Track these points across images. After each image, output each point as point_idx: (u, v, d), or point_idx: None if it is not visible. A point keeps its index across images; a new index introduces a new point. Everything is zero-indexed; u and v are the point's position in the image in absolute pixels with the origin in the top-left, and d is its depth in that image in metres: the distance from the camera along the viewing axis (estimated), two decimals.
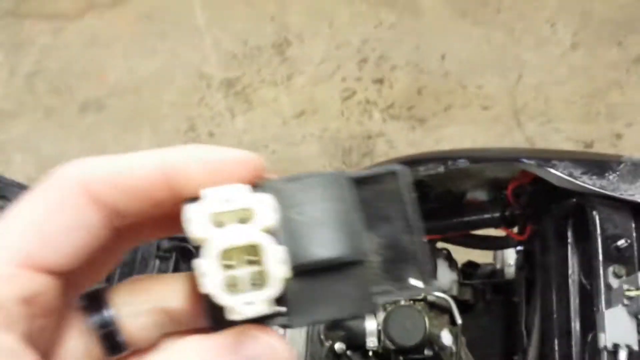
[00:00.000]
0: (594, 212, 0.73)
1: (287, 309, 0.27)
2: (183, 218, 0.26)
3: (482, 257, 1.25)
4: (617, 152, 2.28)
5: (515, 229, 1.03)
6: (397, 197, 0.30)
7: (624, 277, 0.67)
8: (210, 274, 0.24)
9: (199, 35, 2.43)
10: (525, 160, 0.81)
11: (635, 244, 0.70)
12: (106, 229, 0.27)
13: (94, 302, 0.29)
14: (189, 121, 2.21)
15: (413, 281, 0.30)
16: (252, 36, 2.42)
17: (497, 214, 1.01)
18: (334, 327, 1.02)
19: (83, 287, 0.29)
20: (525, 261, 1.03)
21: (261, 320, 0.26)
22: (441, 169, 0.87)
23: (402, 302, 1.02)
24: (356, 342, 1.00)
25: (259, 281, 0.26)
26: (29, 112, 2.27)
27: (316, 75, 2.31)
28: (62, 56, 2.41)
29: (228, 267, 0.25)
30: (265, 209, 0.26)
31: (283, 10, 2.50)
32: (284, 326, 0.27)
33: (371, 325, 0.99)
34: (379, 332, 0.99)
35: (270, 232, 0.26)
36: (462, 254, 1.20)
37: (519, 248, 1.06)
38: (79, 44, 2.44)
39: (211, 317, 0.27)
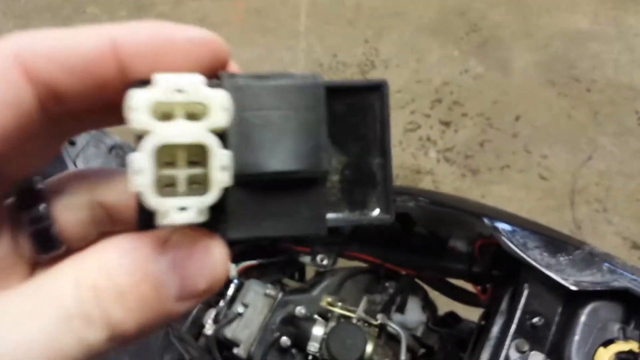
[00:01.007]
0: (525, 285, 0.70)
1: (226, 218, 0.23)
2: (126, 104, 0.21)
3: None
4: None
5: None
6: (374, 114, 0.27)
7: (525, 354, 0.64)
8: (142, 170, 0.20)
9: (296, 38, 2.51)
10: (485, 220, 0.79)
11: (553, 327, 0.67)
12: (40, 110, 0.23)
13: (26, 194, 0.26)
14: None
15: (372, 209, 0.26)
16: (342, 52, 2.47)
17: (467, 268, 0.99)
18: (288, 322, 1.03)
19: (12, 177, 0.25)
20: (485, 322, 1.00)
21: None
22: (412, 203, 0.86)
23: (355, 320, 1.02)
24: (301, 342, 1.01)
25: (198, 186, 0.22)
26: None
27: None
28: None
29: (167, 166, 0.22)
30: (219, 106, 0.22)
31: (379, 37, 2.54)
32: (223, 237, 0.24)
33: (318, 331, 1.00)
34: (322, 340, 0.99)
35: (221, 133, 0.22)
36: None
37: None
38: (191, 20, 2.59)
39: (140, 221, 0.23)
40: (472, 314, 1.16)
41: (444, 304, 1.15)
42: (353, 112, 0.26)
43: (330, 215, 0.26)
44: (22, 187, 0.26)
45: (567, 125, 2.32)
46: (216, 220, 0.23)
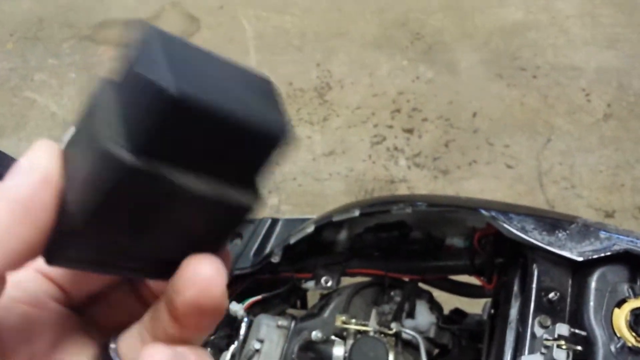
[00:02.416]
0: (534, 265, 0.74)
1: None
2: None
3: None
4: (638, 225, 2.22)
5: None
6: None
7: (550, 327, 0.68)
8: None
9: None
10: (482, 211, 0.83)
11: (568, 299, 0.71)
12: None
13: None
14: None
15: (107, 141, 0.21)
16: (297, 79, 2.51)
17: (468, 262, 1.02)
18: (306, 348, 1.05)
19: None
20: (494, 310, 1.04)
21: None
22: (409, 209, 0.90)
23: (371, 333, 1.04)
24: None
25: None
26: None
27: (351, 119, 2.37)
28: None
29: None
30: None
31: (329, 59, 2.60)
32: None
33: (338, 351, 1.01)
34: (344, 359, 1.01)
35: None
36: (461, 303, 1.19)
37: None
38: None
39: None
40: (471, 307, 1.21)
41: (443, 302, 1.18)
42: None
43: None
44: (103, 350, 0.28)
45: (522, 113, 2.42)
46: None
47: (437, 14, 2.79)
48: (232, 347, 1.08)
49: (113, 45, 2.72)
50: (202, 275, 0.24)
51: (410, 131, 2.33)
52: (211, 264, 0.24)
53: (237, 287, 1.16)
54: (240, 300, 1.15)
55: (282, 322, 1.07)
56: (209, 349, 1.11)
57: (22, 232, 0.23)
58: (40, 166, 0.24)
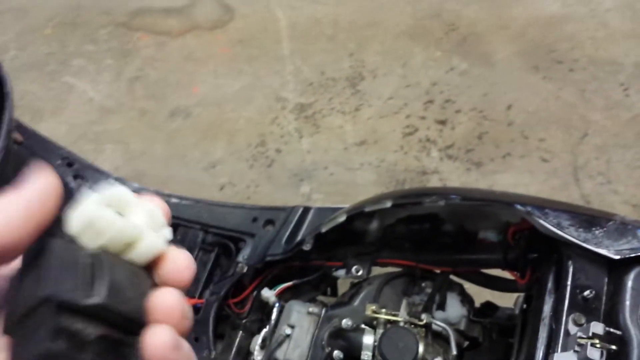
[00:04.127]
0: (570, 262, 0.73)
1: None
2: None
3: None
4: None
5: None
6: None
7: (584, 325, 0.67)
8: None
9: (282, 63, 2.56)
10: (518, 206, 0.82)
11: (603, 297, 0.70)
12: None
13: None
14: (260, 137, 2.31)
15: None
16: (329, 68, 2.51)
17: (501, 257, 1.02)
18: (336, 336, 1.05)
19: None
20: (526, 305, 1.03)
21: None
22: (442, 202, 0.89)
23: (401, 323, 1.04)
24: (353, 353, 1.03)
25: None
26: (126, 111, 2.47)
27: (383, 109, 2.36)
28: (161, 67, 2.60)
29: None
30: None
31: (362, 49, 2.59)
32: None
33: (368, 339, 1.02)
34: (374, 347, 1.01)
35: None
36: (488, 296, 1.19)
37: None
38: (177, 59, 2.63)
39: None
40: (503, 301, 1.20)
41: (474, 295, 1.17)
42: None
43: None
44: None
45: (558, 107, 2.37)
46: None
47: (472, 5, 2.75)
48: (264, 332, 1.09)
49: (148, 32, 2.76)
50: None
51: (443, 122, 2.32)
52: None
53: (269, 273, 1.18)
54: (271, 286, 1.16)
55: (313, 308, 1.08)
56: (241, 331, 1.13)
57: (18, 228, 0.30)
58: (43, 180, 0.32)
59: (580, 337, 0.65)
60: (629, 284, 0.71)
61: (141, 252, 0.33)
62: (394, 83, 2.45)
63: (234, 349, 1.14)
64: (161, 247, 0.33)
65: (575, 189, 2.15)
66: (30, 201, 0.30)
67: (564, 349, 0.67)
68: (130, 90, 2.53)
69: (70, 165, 1.26)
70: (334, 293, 1.34)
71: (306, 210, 1.20)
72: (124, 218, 0.32)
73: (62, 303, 0.28)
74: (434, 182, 2.15)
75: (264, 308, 1.16)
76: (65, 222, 0.31)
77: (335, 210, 1.16)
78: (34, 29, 2.82)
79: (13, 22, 2.84)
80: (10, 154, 0.93)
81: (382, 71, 2.49)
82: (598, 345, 0.66)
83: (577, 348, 0.65)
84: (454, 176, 2.16)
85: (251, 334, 1.14)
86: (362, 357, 1.01)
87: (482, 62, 2.50)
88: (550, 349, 0.71)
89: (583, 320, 0.68)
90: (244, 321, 1.14)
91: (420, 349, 1.00)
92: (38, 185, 0.31)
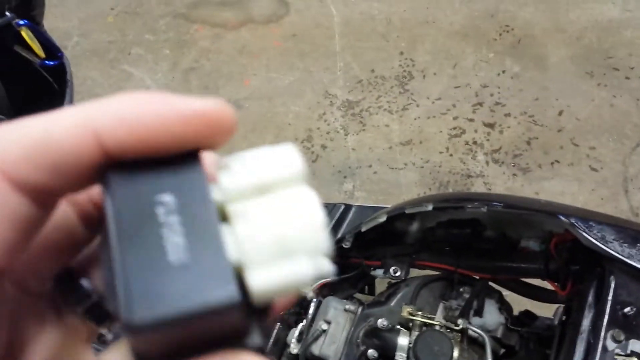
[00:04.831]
0: (612, 277, 0.72)
1: None
2: None
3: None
4: None
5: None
6: None
7: (623, 342, 0.66)
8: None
9: (333, 59, 2.56)
10: (561, 217, 0.81)
11: None
12: (43, 210, 0.22)
13: (64, 278, 0.25)
14: (307, 132, 2.33)
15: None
16: (379, 66, 2.50)
17: (542, 266, 1.00)
18: (371, 334, 1.06)
19: (50, 274, 0.25)
20: (565, 317, 1.01)
21: None
22: (484, 208, 0.88)
23: (437, 327, 1.04)
24: (388, 353, 1.03)
25: None
26: None
27: (430, 110, 2.34)
28: (215, 59, 2.64)
29: None
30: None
31: (413, 48, 2.57)
32: None
33: (403, 341, 1.02)
34: (409, 349, 1.01)
35: None
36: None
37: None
38: (231, 51, 2.66)
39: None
40: (541, 311, 1.17)
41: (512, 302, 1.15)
42: None
43: None
44: (60, 274, 0.25)
45: (611, 115, 2.30)
46: None
47: (528, 6, 2.69)
48: (300, 325, 1.11)
49: (205, 24, 2.80)
50: None
51: (491, 126, 2.28)
52: None
53: None
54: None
55: (350, 306, 1.09)
56: (279, 323, 1.15)
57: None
58: None
59: (618, 354, 0.63)
60: None
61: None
62: (444, 83, 2.42)
63: (272, 340, 1.16)
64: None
65: (624, 201, 2.08)
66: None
67: None
68: (186, 80, 2.58)
69: None
70: (371, 292, 1.34)
71: (348, 208, 1.21)
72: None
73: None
74: (478, 186, 2.11)
75: (302, 302, 1.17)
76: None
77: (376, 209, 1.16)
78: (97, 16, 2.91)
79: (77, 9, 2.94)
80: None
81: (432, 71, 2.47)
82: None
83: None
84: (499, 181, 2.12)
85: (288, 326, 1.16)
86: (396, 357, 1.01)
87: (535, 66, 2.44)
88: None
89: (622, 337, 0.66)
90: (282, 314, 1.16)
91: (455, 353, 0.99)
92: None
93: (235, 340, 0.20)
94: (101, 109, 0.20)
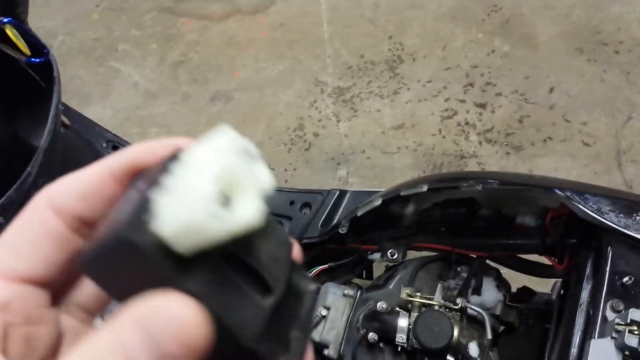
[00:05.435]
0: (609, 248, 0.71)
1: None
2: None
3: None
4: None
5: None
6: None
7: (622, 312, 0.66)
8: None
9: (322, 46, 2.55)
10: (557, 191, 0.80)
11: None
12: (76, 235, 0.28)
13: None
14: (299, 121, 2.32)
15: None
16: (368, 51, 2.49)
17: (539, 242, 1.00)
18: (371, 318, 1.06)
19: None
20: (564, 290, 1.01)
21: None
22: (479, 187, 0.88)
23: (436, 307, 1.04)
24: (388, 335, 1.03)
25: None
26: (169, 95, 2.50)
27: (421, 93, 2.33)
28: (203, 52, 2.62)
29: None
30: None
31: (402, 31, 2.55)
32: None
33: (403, 322, 1.02)
34: (409, 330, 1.01)
35: None
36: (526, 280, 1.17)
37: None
38: (219, 43, 2.65)
39: None
40: (539, 286, 1.17)
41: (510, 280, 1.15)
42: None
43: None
44: None
45: (602, 90, 2.30)
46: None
47: None
48: None
49: (191, 17, 2.78)
50: None
51: (483, 106, 2.27)
52: None
53: (305, 256, 1.18)
54: (308, 268, 1.17)
55: (348, 291, 1.09)
56: None
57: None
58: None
59: (618, 324, 0.63)
60: None
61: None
62: (434, 66, 2.41)
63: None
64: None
65: (617, 174, 2.09)
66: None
67: (601, 335, 0.66)
68: (174, 74, 2.56)
69: (115, 148, 1.29)
70: (369, 276, 1.34)
71: (342, 193, 1.20)
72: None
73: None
74: (472, 166, 2.11)
75: None
76: None
77: (371, 193, 1.15)
78: (82, 14, 2.88)
79: (61, 8, 2.91)
80: (58, 137, 0.96)
81: (421, 54, 2.45)
82: (636, 332, 0.65)
83: (614, 335, 0.64)
84: (493, 160, 2.12)
85: None
86: (396, 339, 1.01)
87: (525, 44, 2.44)
88: (587, 335, 0.70)
89: (621, 307, 0.66)
90: None
91: (455, 332, 0.99)
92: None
93: (168, 283, 0.23)
94: (114, 157, 0.29)
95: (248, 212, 0.24)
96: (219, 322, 0.23)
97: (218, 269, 0.25)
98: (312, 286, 0.29)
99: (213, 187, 0.23)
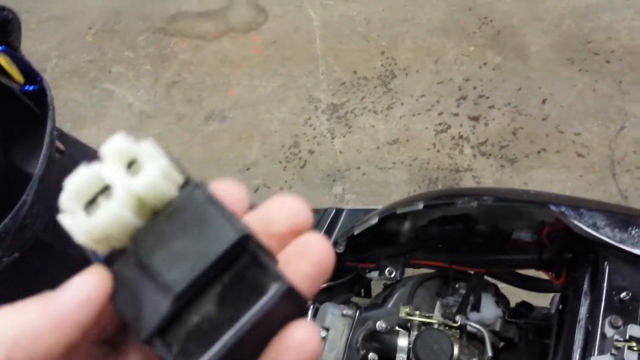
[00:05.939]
0: (605, 263, 0.72)
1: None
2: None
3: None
4: None
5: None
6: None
7: (621, 328, 0.66)
8: None
9: (315, 63, 2.56)
10: (552, 207, 0.81)
11: None
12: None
13: None
14: (294, 138, 2.32)
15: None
16: (361, 67, 2.50)
17: (536, 257, 1.00)
18: (371, 338, 1.05)
19: None
20: (562, 305, 1.01)
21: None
22: (474, 203, 0.88)
23: (435, 325, 1.03)
24: (388, 355, 1.03)
25: None
26: (164, 116, 2.51)
27: (415, 107, 2.34)
28: (197, 71, 2.64)
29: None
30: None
31: (394, 46, 2.57)
32: None
33: (403, 342, 1.01)
34: (409, 350, 1.01)
35: None
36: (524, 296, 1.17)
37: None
38: (213, 62, 2.66)
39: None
40: (538, 301, 1.17)
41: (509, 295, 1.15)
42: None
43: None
44: None
45: (594, 99, 2.31)
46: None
47: None
48: None
49: (184, 37, 2.79)
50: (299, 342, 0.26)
51: (476, 119, 2.28)
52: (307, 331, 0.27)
53: None
54: None
55: (347, 311, 1.08)
56: None
57: (48, 342, 0.26)
58: (84, 290, 0.27)
59: (617, 340, 0.63)
60: None
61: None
62: (427, 80, 2.42)
63: None
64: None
65: (612, 184, 2.09)
66: (61, 316, 0.26)
67: (601, 352, 0.66)
68: (168, 95, 2.57)
69: None
70: (368, 294, 1.33)
71: (339, 212, 1.20)
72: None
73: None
74: (467, 180, 2.12)
75: None
76: None
77: (367, 211, 1.15)
78: (75, 36, 2.89)
79: (54, 31, 2.92)
80: (53, 163, 0.96)
81: (414, 68, 2.47)
82: (635, 349, 0.65)
83: (614, 351, 0.64)
84: (488, 173, 2.13)
85: None
86: (396, 359, 1.01)
87: (516, 56, 2.46)
88: (586, 352, 0.70)
89: (620, 323, 0.66)
90: None
91: (455, 350, 0.99)
92: (76, 296, 0.27)
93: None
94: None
95: (144, 177, 0.25)
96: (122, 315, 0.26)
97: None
98: (275, 284, 0.26)
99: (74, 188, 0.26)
